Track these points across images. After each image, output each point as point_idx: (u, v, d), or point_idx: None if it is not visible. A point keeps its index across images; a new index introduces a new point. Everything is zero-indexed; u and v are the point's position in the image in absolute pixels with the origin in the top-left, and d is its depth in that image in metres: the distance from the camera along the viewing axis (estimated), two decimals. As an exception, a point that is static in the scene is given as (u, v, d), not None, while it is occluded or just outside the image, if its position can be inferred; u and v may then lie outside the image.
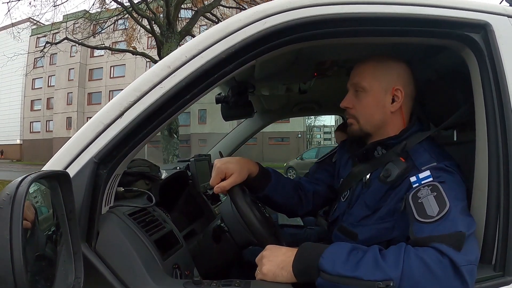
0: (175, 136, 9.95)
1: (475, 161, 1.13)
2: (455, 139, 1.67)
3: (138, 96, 1.02)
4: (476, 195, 1.10)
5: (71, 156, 1.02)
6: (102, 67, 36.97)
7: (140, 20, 12.04)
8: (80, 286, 0.87)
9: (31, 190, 0.86)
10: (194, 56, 1.04)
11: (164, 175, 1.79)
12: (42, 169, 0.92)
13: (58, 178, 0.89)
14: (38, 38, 31.40)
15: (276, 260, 1.04)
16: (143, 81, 1.04)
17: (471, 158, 1.16)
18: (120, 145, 1.02)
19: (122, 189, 1.26)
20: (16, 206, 0.71)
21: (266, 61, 1.60)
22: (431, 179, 1.07)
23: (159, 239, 1.21)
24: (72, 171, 0.98)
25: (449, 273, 0.87)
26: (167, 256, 1.19)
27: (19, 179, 0.75)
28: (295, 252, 1.03)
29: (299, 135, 33.10)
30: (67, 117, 37.24)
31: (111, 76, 36.62)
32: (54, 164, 1.02)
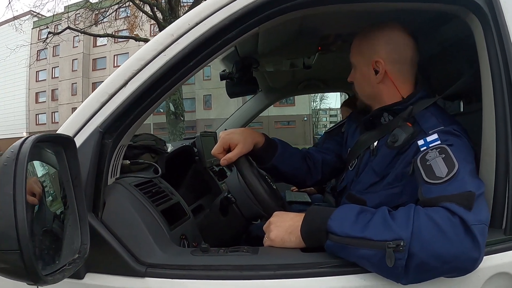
0: (182, 119, 9.98)
1: (482, 127, 1.12)
2: (461, 109, 1.66)
3: (141, 65, 1.02)
4: (484, 160, 1.09)
5: (77, 126, 1.02)
6: (106, 56, 37.11)
7: (142, 7, 11.99)
8: (86, 251, 0.88)
9: (38, 171, 0.87)
10: (197, 24, 1.03)
11: (170, 149, 1.79)
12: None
13: (63, 143, 0.89)
14: (40, 30, 31.39)
15: (284, 225, 1.04)
16: (147, 50, 1.03)
17: (477, 128, 1.15)
18: (125, 114, 1.02)
19: (128, 162, 1.27)
20: (20, 163, 0.71)
21: (269, 34, 1.60)
22: (439, 142, 1.05)
23: (166, 210, 1.22)
24: (78, 141, 0.98)
25: (460, 232, 0.85)
26: (174, 227, 1.20)
27: (23, 139, 0.76)
28: (303, 217, 1.03)
29: (305, 119, 33.02)
30: (72, 108, 36.75)
31: (115, 65, 36.48)
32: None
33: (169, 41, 1.03)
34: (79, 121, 1.02)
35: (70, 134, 1.01)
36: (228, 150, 1.31)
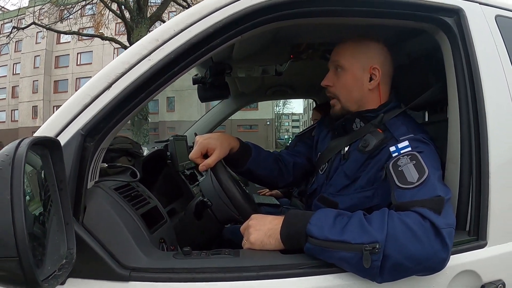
0: (148, 120, 9.82)
1: (447, 136, 1.20)
2: (426, 119, 1.75)
3: (126, 68, 1.01)
4: (450, 167, 1.17)
5: (58, 128, 1.00)
6: (69, 54, 35.79)
7: (109, 5, 11.70)
8: (73, 257, 0.86)
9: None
10: (182, 30, 1.04)
11: (146, 152, 1.78)
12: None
13: (49, 146, 0.87)
14: (3, 24, 30.01)
15: (263, 228, 1.07)
16: (131, 53, 1.03)
17: (441, 136, 1.23)
18: (107, 117, 1.01)
19: (105, 165, 1.25)
20: (16, 167, 0.69)
21: (245, 41, 1.62)
22: (409, 149, 1.12)
23: (145, 214, 1.22)
24: (59, 144, 0.97)
25: (431, 236, 0.91)
26: (153, 230, 1.20)
27: (17, 141, 0.73)
28: (282, 220, 1.06)
29: (268, 123, 33.28)
30: (33, 106, 35.97)
31: (78, 63, 35.60)
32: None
33: (154, 46, 1.03)
34: (59, 123, 1.01)
35: (50, 136, 0.99)
36: (205, 154, 1.33)
